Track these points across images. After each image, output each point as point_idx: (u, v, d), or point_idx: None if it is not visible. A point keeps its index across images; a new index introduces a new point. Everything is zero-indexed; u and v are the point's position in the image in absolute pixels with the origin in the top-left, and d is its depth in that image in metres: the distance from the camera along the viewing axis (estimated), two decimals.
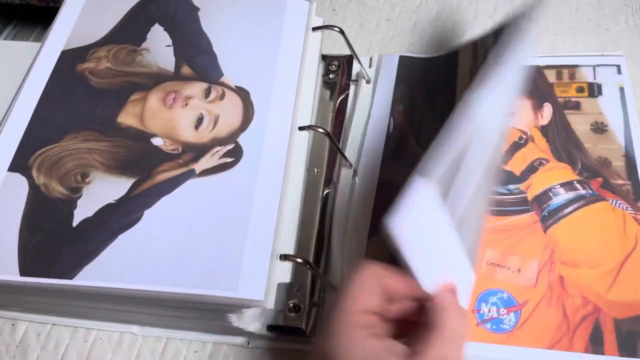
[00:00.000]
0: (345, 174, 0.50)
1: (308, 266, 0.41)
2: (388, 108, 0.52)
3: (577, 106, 0.50)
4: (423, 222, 0.30)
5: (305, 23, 0.50)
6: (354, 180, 0.49)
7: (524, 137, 0.49)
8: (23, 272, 0.39)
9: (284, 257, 0.40)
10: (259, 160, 0.43)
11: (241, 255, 0.39)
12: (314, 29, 0.51)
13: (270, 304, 0.38)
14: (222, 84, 0.47)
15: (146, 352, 0.44)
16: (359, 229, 0.46)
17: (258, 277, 0.38)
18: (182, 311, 0.41)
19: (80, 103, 0.47)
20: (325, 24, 0.52)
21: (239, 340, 0.44)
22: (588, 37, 0.56)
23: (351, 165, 0.49)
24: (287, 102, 0.45)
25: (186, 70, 0.48)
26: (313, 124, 0.51)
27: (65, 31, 0.51)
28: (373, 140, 0.51)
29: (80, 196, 0.42)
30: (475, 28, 0.59)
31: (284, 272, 0.42)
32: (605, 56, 0.53)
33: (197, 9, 0.52)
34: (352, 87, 0.55)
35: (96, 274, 0.39)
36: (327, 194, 0.49)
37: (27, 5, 0.65)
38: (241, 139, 0.44)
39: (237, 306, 0.38)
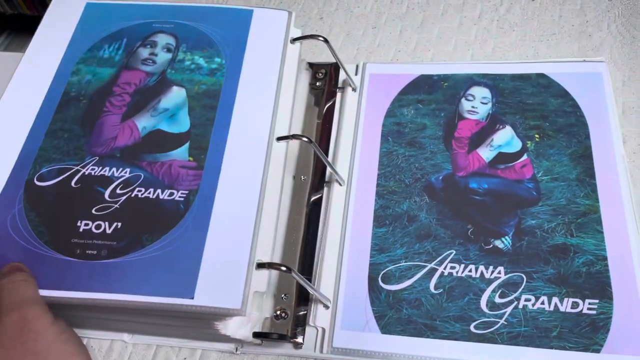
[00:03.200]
0: (336, 183, 0.50)
1: (293, 273, 0.41)
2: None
3: None
4: None
5: (284, 34, 0.51)
6: (347, 191, 0.50)
7: None
8: None
9: (268, 265, 0.40)
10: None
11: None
12: (298, 39, 0.51)
13: (248, 312, 0.38)
14: None
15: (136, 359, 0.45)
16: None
17: (235, 286, 0.39)
18: (170, 319, 0.41)
19: None
20: (313, 31, 0.53)
21: (228, 346, 0.45)
22: (571, 43, 0.57)
23: (341, 179, 0.50)
24: (265, 112, 0.46)
25: None
26: (299, 131, 0.52)
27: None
28: (366, 153, 0.52)
29: None
30: (460, 35, 0.60)
31: (262, 280, 0.42)
32: (587, 62, 0.54)
33: None
34: (338, 95, 0.56)
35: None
36: (315, 200, 0.49)
37: (19, 15, 0.66)
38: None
39: (214, 315, 0.38)
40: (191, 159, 0.45)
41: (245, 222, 0.41)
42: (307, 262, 0.47)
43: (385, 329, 0.43)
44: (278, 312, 0.44)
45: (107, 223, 0.42)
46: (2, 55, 0.66)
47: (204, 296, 0.38)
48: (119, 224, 0.42)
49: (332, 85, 0.56)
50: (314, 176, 0.50)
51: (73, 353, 0.36)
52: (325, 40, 0.52)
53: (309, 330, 0.44)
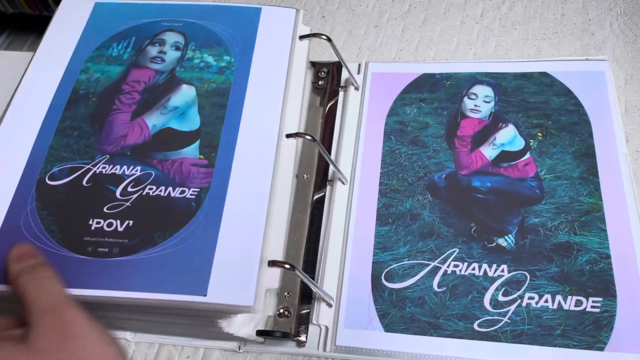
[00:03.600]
0: (339, 182, 0.50)
1: (296, 272, 0.41)
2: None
3: None
4: None
5: (292, 31, 0.51)
6: (350, 190, 0.50)
7: None
8: None
9: (272, 263, 0.40)
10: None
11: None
12: (301, 37, 0.51)
13: (259, 309, 0.38)
14: None
15: (139, 358, 0.45)
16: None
17: (247, 283, 0.38)
18: (174, 317, 0.41)
19: None
20: (315, 30, 0.53)
21: (231, 345, 0.44)
22: (573, 41, 0.57)
23: (344, 177, 0.50)
24: (275, 110, 0.46)
25: None
26: (302, 130, 0.52)
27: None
28: (368, 152, 0.52)
29: None
30: (462, 33, 0.60)
31: (273, 278, 0.43)
32: (590, 61, 0.54)
33: None
34: (341, 94, 0.56)
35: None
36: (318, 199, 0.49)
37: (20, 14, 0.66)
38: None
39: (226, 312, 0.38)
40: (202, 157, 0.45)
41: (257, 220, 0.41)
42: (310, 260, 0.47)
43: (389, 327, 0.43)
44: (281, 311, 0.44)
45: (118, 221, 0.42)
46: (3, 54, 0.66)
47: (217, 294, 0.38)
48: (131, 222, 0.42)
49: (335, 84, 0.56)
50: (317, 175, 0.50)
51: (117, 355, 0.33)
52: (328, 39, 0.52)
53: (312, 328, 0.44)
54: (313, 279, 0.45)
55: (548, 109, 0.52)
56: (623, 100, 0.53)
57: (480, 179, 0.49)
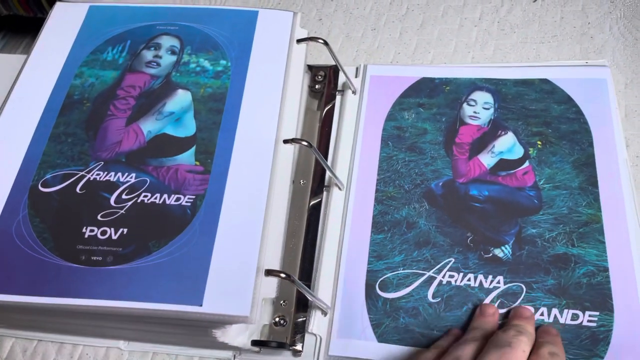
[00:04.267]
0: (335, 188, 0.50)
1: (292, 281, 0.41)
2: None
3: None
4: None
5: (289, 35, 0.50)
6: (346, 196, 0.49)
7: None
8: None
9: (269, 273, 0.40)
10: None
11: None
12: (299, 41, 0.51)
13: (256, 319, 0.38)
14: None
15: None
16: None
17: (243, 293, 0.38)
18: (168, 327, 0.41)
19: None
20: (312, 33, 0.52)
21: (226, 354, 0.44)
22: (573, 45, 0.56)
23: (341, 183, 0.50)
24: (272, 115, 0.45)
25: None
26: (299, 135, 0.52)
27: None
28: (365, 157, 0.51)
29: None
30: (461, 36, 0.59)
31: (270, 287, 0.42)
32: (591, 67, 0.53)
33: None
34: (338, 98, 0.55)
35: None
36: (314, 205, 0.49)
37: (14, 16, 0.65)
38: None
39: (222, 322, 0.38)
40: (198, 163, 0.44)
41: (253, 227, 0.40)
42: (306, 267, 0.46)
43: (382, 337, 0.43)
44: (277, 319, 0.43)
45: (112, 229, 0.41)
46: None
47: (213, 303, 0.37)
48: (125, 230, 0.41)
49: (332, 88, 0.55)
50: (314, 180, 0.50)
51: None
52: (325, 43, 0.51)
53: (307, 337, 0.44)
54: (309, 286, 0.45)
55: (548, 117, 0.51)
56: (623, 105, 0.52)
57: (478, 188, 0.48)
